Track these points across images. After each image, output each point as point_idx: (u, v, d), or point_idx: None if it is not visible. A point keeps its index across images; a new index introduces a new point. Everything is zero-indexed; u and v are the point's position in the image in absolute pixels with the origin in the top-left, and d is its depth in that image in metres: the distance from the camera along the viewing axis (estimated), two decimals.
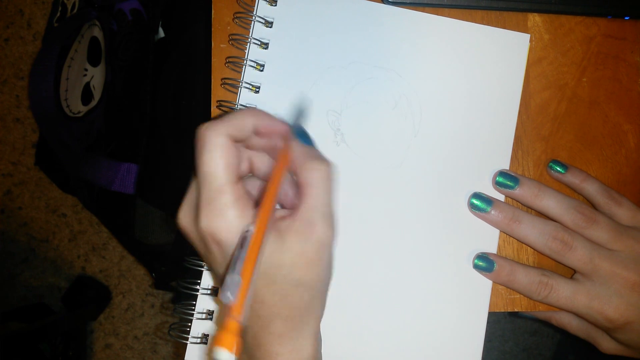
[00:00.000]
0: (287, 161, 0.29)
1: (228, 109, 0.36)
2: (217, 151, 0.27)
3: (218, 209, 0.26)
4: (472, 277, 0.36)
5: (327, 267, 0.28)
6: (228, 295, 0.22)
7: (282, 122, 0.30)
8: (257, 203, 0.27)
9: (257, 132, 0.29)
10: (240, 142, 0.28)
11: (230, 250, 0.26)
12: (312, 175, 0.28)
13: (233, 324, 0.22)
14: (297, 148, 0.29)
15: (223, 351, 0.21)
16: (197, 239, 0.28)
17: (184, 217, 0.29)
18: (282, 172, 0.28)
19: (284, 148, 0.29)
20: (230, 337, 0.21)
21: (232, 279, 0.23)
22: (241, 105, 0.36)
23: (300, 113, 0.34)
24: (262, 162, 0.31)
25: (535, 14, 0.38)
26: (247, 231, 0.26)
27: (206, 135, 0.27)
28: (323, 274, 0.28)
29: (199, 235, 0.27)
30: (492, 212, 0.35)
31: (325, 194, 0.28)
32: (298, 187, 0.28)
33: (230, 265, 0.24)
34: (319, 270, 0.27)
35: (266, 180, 0.31)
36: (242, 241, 0.25)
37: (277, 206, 0.31)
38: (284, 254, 0.26)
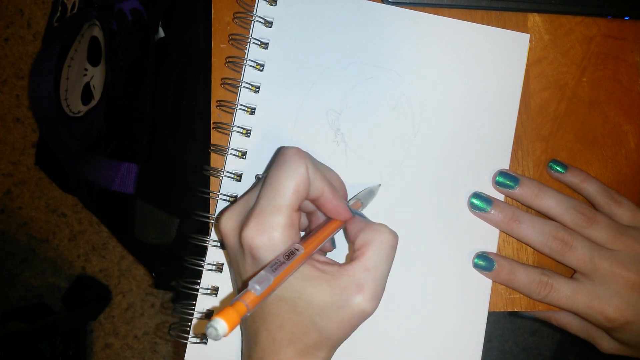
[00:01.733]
0: (339, 224, 0.29)
1: (228, 109, 0.36)
2: (295, 174, 0.27)
3: (269, 225, 0.26)
4: (472, 277, 0.36)
5: (352, 331, 0.28)
6: (257, 287, 0.23)
7: (348, 212, 0.29)
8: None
9: (317, 199, 0.29)
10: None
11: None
12: (375, 237, 0.28)
13: (242, 307, 0.22)
14: (359, 218, 0.30)
15: (222, 321, 0.21)
16: (234, 245, 0.28)
17: (228, 221, 0.29)
18: (338, 224, 0.29)
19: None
20: (234, 315, 0.21)
21: (265, 276, 0.23)
22: (241, 105, 0.36)
23: (369, 194, 0.35)
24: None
25: (535, 14, 0.38)
26: (296, 249, 0.26)
27: (293, 158, 0.27)
28: (347, 335, 0.28)
29: (238, 242, 0.27)
30: (492, 211, 0.35)
31: (384, 260, 0.27)
32: (354, 249, 0.28)
33: (269, 264, 0.24)
34: (346, 332, 0.27)
35: (309, 212, 0.32)
36: (289, 254, 0.25)
37: None
38: (318, 296, 0.26)
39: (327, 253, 0.34)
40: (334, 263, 0.28)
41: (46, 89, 0.54)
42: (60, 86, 0.55)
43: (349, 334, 0.28)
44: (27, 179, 1.05)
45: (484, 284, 0.36)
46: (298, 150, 0.28)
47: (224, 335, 0.21)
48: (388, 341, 0.36)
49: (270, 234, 0.26)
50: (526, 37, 0.37)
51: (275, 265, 0.24)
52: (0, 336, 0.79)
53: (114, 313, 1.05)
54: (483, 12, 0.38)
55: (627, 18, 0.38)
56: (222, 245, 0.35)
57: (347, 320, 0.26)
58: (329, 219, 0.30)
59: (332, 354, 0.29)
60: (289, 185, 0.27)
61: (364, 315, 0.27)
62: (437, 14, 0.37)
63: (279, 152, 0.28)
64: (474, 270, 0.36)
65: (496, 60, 0.37)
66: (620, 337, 0.35)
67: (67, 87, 0.55)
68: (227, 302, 0.35)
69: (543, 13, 0.38)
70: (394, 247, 0.28)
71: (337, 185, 0.31)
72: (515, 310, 0.38)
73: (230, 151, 0.36)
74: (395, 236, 0.28)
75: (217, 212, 0.36)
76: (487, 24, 0.37)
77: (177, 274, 0.55)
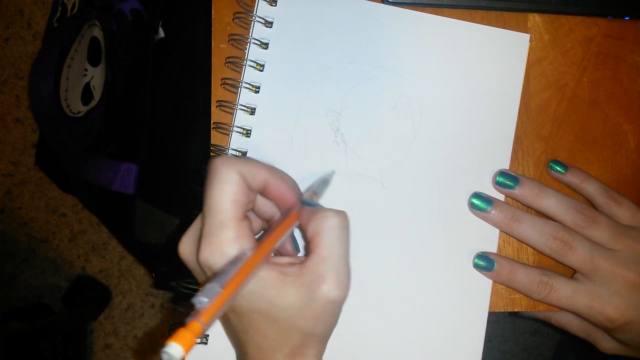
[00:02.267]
0: (296, 216, 0.29)
1: (228, 109, 0.36)
2: (227, 185, 0.26)
3: (219, 243, 0.26)
4: (472, 277, 0.36)
5: (334, 320, 0.27)
6: (202, 299, 0.22)
7: (293, 194, 0.29)
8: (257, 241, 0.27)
9: (264, 189, 0.28)
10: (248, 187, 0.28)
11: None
12: (323, 224, 0.27)
13: (196, 325, 0.21)
14: (307, 208, 0.29)
15: (176, 346, 0.20)
16: (196, 270, 0.28)
17: (185, 247, 0.29)
18: (289, 222, 0.28)
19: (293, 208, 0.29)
20: (188, 335, 0.20)
21: (211, 287, 0.23)
22: (241, 105, 0.36)
23: (323, 182, 0.34)
24: (265, 204, 0.31)
25: (535, 14, 0.38)
26: (243, 253, 0.25)
27: (219, 168, 0.27)
28: (328, 326, 0.27)
29: (198, 266, 0.27)
30: (492, 211, 0.35)
31: (339, 245, 0.27)
32: (308, 241, 0.28)
33: (214, 276, 0.24)
34: (326, 323, 0.27)
35: (267, 219, 0.31)
36: (236, 260, 0.25)
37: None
38: (286, 299, 0.26)
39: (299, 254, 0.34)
40: (295, 262, 0.28)
41: (46, 89, 0.54)
42: (60, 86, 0.55)
43: (331, 325, 0.27)
44: (27, 179, 1.05)
45: (484, 284, 0.36)
46: (224, 159, 0.27)
47: (182, 359, 0.20)
48: (388, 341, 0.36)
49: (223, 250, 0.26)
50: (526, 37, 0.37)
51: (220, 274, 0.24)
52: (0, 336, 0.79)
53: (114, 313, 1.04)
54: (483, 12, 0.38)
55: (627, 18, 0.38)
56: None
57: (321, 313, 0.26)
58: (281, 218, 0.29)
59: (324, 347, 0.28)
60: (226, 198, 0.26)
61: (335, 303, 0.26)
62: (437, 14, 0.37)
63: (209, 167, 0.27)
64: (474, 271, 0.36)
65: (496, 61, 0.37)
66: (621, 337, 0.35)
67: (67, 88, 0.55)
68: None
69: (543, 13, 0.38)
70: (344, 228, 0.27)
71: (282, 175, 0.30)
72: (516, 310, 0.38)
73: (231, 151, 0.36)
74: (342, 216, 0.27)
75: None
76: (487, 24, 0.37)
77: (177, 274, 0.55)
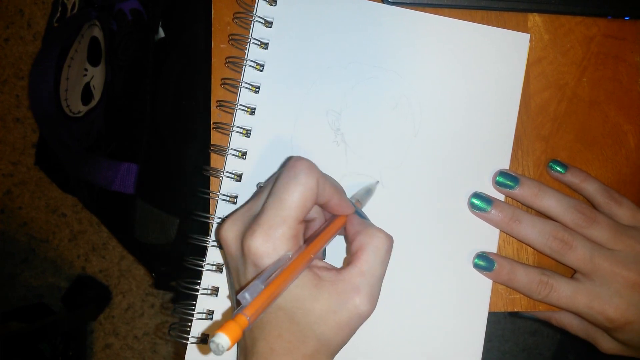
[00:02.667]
0: (343, 223, 0.30)
1: (228, 109, 0.36)
2: (303, 187, 0.27)
3: (274, 236, 0.26)
4: (472, 277, 0.36)
5: (350, 336, 0.28)
6: (246, 296, 0.23)
7: (351, 206, 0.30)
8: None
9: (324, 204, 0.29)
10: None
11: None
12: (370, 241, 0.28)
13: (242, 319, 0.22)
14: (358, 219, 0.30)
15: (223, 336, 0.21)
16: (235, 252, 0.28)
17: (231, 228, 0.29)
18: (340, 224, 0.29)
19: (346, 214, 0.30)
20: (236, 328, 0.21)
21: (256, 285, 0.24)
22: (241, 105, 0.36)
23: (367, 192, 0.35)
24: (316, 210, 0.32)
25: (535, 14, 0.38)
26: (288, 254, 0.26)
27: (303, 170, 0.28)
28: (344, 340, 0.28)
29: (240, 250, 0.28)
30: (492, 211, 0.35)
31: (379, 264, 0.28)
32: (350, 252, 0.28)
33: (259, 274, 0.25)
34: (344, 336, 0.27)
35: (308, 220, 0.32)
36: (279, 261, 0.26)
37: None
38: (316, 304, 0.26)
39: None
40: (332, 268, 0.28)
41: (46, 89, 0.54)
42: (60, 86, 0.55)
43: (348, 338, 0.28)
44: (27, 179, 1.05)
45: (484, 284, 0.36)
46: (310, 165, 0.28)
47: (227, 349, 0.21)
48: (389, 341, 0.36)
49: (276, 243, 0.26)
50: (526, 37, 0.37)
51: (265, 273, 0.24)
52: (0, 336, 0.79)
53: (114, 313, 1.04)
54: (483, 12, 0.38)
55: (627, 18, 0.38)
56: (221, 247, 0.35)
57: (344, 323, 0.27)
58: (327, 224, 0.30)
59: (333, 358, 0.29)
60: (297, 199, 0.27)
61: (361, 317, 0.27)
62: (437, 14, 0.37)
63: (289, 163, 0.28)
64: (474, 271, 0.36)
65: (496, 60, 0.37)
66: (621, 337, 0.35)
67: (67, 87, 0.55)
68: (226, 307, 0.35)
69: (543, 13, 0.38)
70: (389, 251, 0.29)
71: (341, 190, 0.32)
72: (516, 310, 0.38)
73: (230, 151, 0.36)
74: (390, 240, 0.29)
75: (217, 213, 0.36)
76: (487, 24, 0.37)
77: (177, 274, 0.55)
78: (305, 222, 0.32)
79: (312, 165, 0.28)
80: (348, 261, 0.29)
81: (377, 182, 0.36)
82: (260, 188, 0.35)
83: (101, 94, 0.53)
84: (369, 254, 0.28)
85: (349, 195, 0.35)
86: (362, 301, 0.27)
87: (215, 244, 0.35)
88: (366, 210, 0.36)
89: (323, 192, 0.28)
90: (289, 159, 0.29)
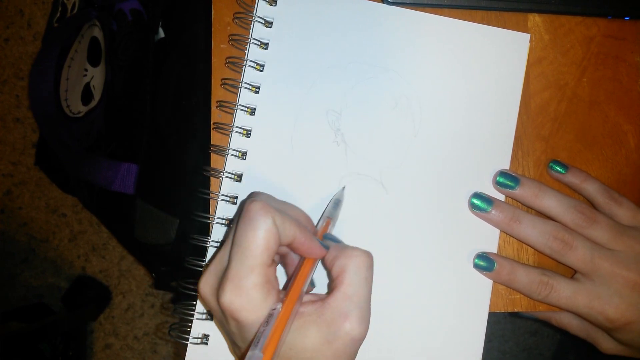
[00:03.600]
0: (315, 261, 0.29)
1: (228, 109, 0.36)
2: (262, 231, 0.26)
3: (245, 287, 0.26)
4: (472, 277, 0.36)
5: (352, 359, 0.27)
6: None
7: (321, 248, 0.29)
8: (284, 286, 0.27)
9: (290, 244, 0.28)
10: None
11: (248, 329, 0.26)
12: (349, 262, 0.27)
13: None
14: (333, 246, 0.29)
15: None
16: (215, 308, 0.28)
17: (206, 286, 0.28)
18: (313, 262, 0.29)
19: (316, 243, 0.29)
20: None
21: (253, 354, 0.23)
22: (241, 105, 0.36)
23: (335, 205, 0.34)
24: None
25: (535, 14, 0.38)
26: (274, 309, 0.26)
27: (257, 213, 0.27)
28: None
29: (218, 307, 0.27)
30: (493, 211, 0.35)
31: (363, 284, 0.27)
32: (332, 278, 0.28)
33: (254, 339, 0.24)
34: None
35: (282, 254, 0.32)
36: (268, 318, 0.25)
37: None
38: (307, 340, 0.26)
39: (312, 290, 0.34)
40: (316, 299, 0.28)
41: (46, 89, 0.54)
42: (60, 86, 0.55)
43: None
44: (27, 179, 1.05)
45: (485, 284, 0.36)
46: (263, 205, 0.27)
47: None
48: (389, 342, 0.36)
49: (247, 295, 0.26)
50: (526, 37, 0.37)
51: (257, 337, 0.24)
52: (0, 336, 0.79)
53: (114, 313, 1.04)
54: (483, 12, 0.38)
55: (627, 18, 0.38)
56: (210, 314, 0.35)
57: (341, 351, 0.26)
58: (301, 264, 0.29)
59: None
60: (259, 244, 0.26)
61: (356, 341, 0.27)
62: (437, 13, 0.37)
63: (244, 208, 0.28)
64: (475, 271, 0.36)
65: (496, 61, 0.37)
66: (621, 337, 0.35)
67: (67, 88, 0.55)
68: None
69: (543, 13, 0.38)
70: (370, 267, 0.28)
71: (304, 222, 0.31)
72: (516, 310, 0.38)
73: (231, 152, 0.36)
74: (369, 256, 0.28)
75: (217, 213, 0.36)
76: (487, 24, 0.37)
77: (177, 275, 0.55)
78: (280, 255, 0.32)
79: (265, 206, 0.27)
80: (331, 287, 0.28)
81: (344, 187, 0.35)
82: (228, 230, 0.34)
83: (101, 94, 0.53)
84: (351, 277, 0.27)
85: (317, 214, 0.34)
86: (353, 326, 0.26)
87: (215, 244, 0.35)
88: (366, 210, 0.36)
89: (284, 231, 0.27)
90: (244, 201, 0.28)
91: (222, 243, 0.33)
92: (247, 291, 0.26)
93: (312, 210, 0.35)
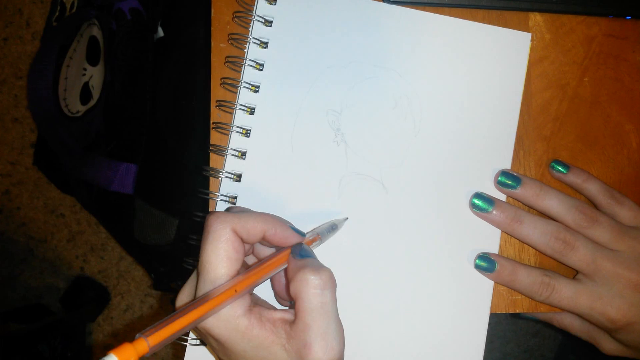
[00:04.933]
0: (286, 257, 0.28)
1: (228, 109, 0.36)
2: (220, 243, 0.26)
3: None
4: (473, 278, 0.36)
5: None
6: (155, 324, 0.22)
7: (295, 235, 0.29)
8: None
9: (264, 239, 0.28)
10: (244, 241, 0.28)
11: (228, 345, 0.26)
12: (303, 288, 0.26)
13: (142, 344, 0.21)
14: (293, 259, 0.28)
15: (114, 357, 0.19)
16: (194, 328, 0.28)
17: (180, 304, 0.29)
18: (277, 261, 0.28)
19: (284, 251, 0.29)
20: (131, 352, 0.20)
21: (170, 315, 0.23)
22: (241, 105, 0.36)
23: (330, 228, 0.34)
24: (264, 247, 0.31)
25: (537, 13, 0.38)
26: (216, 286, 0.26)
27: (212, 225, 0.27)
28: None
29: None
30: (494, 212, 0.35)
31: (322, 309, 0.26)
32: (293, 299, 0.27)
33: (183, 307, 0.24)
34: None
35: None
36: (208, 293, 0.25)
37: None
38: None
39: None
40: (288, 318, 0.27)
41: (45, 88, 0.54)
42: (59, 86, 0.55)
43: None
44: (26, 179, 1.04)
45: (486, 285, 0.36)
46: (218, 215, 0.27)
47: None
48: (390, 342, 0.35)
49: (217, 313, 0.26)
50: (527, 36, 0.37)
51: (185, 306, 0.24)
52: None
53: (113, 314, 1.04)
54: (484, 11, 0.38)
55: (628, 17, 0.38)
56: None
57: None
58: (266, 259, 0.29)
59: None
60: (219, 256, 0.26)
61: None
62: (437, 13, 0.37)
63: (205, 223, 0.27)
64: (476, 272, 0.35)
65: (497, 60, 0.37)
66: (622, 338, 0.35)
67: (66, 87, 0.55)
68: None
69: (544, 12, 0.38)
70: (325, 288, 0.26)
71: (274, 219, 0.30)
72: (517, 311, 0.37)
73: (230, 151, 0.36)
74: (322, 276, 0.26)
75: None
76: (488, 23, 0.37)
77: (176, 275, 0.55)
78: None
79: (221, 215, 0.27)
80: (294, 310, 0.27)
81: (347, 218, 0.35)
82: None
83: (100, 94, 0.53)
84: (305, 304, 0.26)
85: (308, 224, 0.34)
86: (317, 356, 0.25)
87: None
88: (366, 210, 0.36)
89: (249, 232, 0.27)
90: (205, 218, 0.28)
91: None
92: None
93: (311, 210, 0.35)
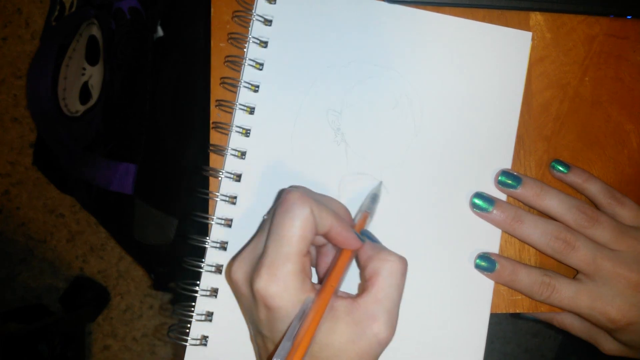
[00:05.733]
0: (352, 253, 0.29)
1: (227, 108, 0.36)
2: (299, 220, 0.27)
3: (281, 275, 0.26)
4: (473, 278, 0.35)
5: None
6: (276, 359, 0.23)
7: (357, 240, 0.29)
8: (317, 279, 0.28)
9: (326, 234, 0.29)
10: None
11: (279, 317, 0.26)
12: (383, 266, 0.27)
13: None
14: (369, 244, 0.29)
15: None
16: (246, 294, 0.28)
17: (239, 271, 0.29)
18: (350, 255, 0.29)
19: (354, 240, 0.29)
20: None
21: (284, 346, 0.23)
22: (241, 104, 0.36)
23: (373, 199, 0.34)
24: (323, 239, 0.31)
25: (537, 12, 0.38)
26: (308, 303, 0.26)
27: (295, 201, 0.27)
28: None
29: (250, 292, 0.27)
30: (494, 211, 0.35)
31: (395, 289, 0.27)
32: (364, 279, 0.28)
33: (287, 332, 0.25)
34: None
35: (319, 245, 0.32)
36: (303, 311, 0.25)
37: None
38: (334, 336, 0.26)
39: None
40: (346, 297, 0.28)
41: (44, 88, 0.54)
42: (59, 85, 0.54)
43: None
44: (25, 179, 1.04)
45: (486, 285, 0.36)
46: (301, 194, 0.27)
47: None
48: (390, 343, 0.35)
49: (283, 282, 0.26)
50: (528, 35, 0.37)
51: (291, 330, 0.24)
52: None
53: (113, 314, 1.04)
54: (485, 10, 0.37)
55: (629, 17, 0.38)
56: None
57: (365, 352, 0.26)
58: (337, 257, 0.30)
59: None
60: (296, 233, 0.27)
61: (382, 345, 0.27)
62: (438, 12, 0.37)
63: (282, 197, 0.28)
64: (476, 271, 0.35)
65: (498, 59, 0.37)
66: (623, 338, 0.35)
67: (65, 87, 0.55)
68: (225, 309, 0.35)
69: (545, 12, 0.38)
70: (403, 274, 0.28)
71: (342, 214, 0.31)
72: (517, 311, 0.37)
73: (230, 151, 0.35)
74: (404, 262, 0.28)
75: (216, 213, 0.35)
76: (489, 22, 0.37)
77: (176, 275, 0.55)
78: (318, 247, 0.32)
79: (303, 195, 0.27)
80: (363, 288, 0.28)
81: (381, 182, 0.36)
82: (264, 221, 0.35)
83: (99, 93, 0.53)
84: (383, 280, 0.27)
85: (356, 207, 0.34)
86: (380, 329, 0.26)
87: (214, 244, 0.35)
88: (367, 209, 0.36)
89: (321, 221, 0.28)
90: (282, 191, 0.29)
91: (255, 234, 0.33)
92: (283, 278, 0.26)
93: None
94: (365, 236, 0.31)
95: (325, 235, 0.29)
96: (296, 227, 0.27)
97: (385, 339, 0.27)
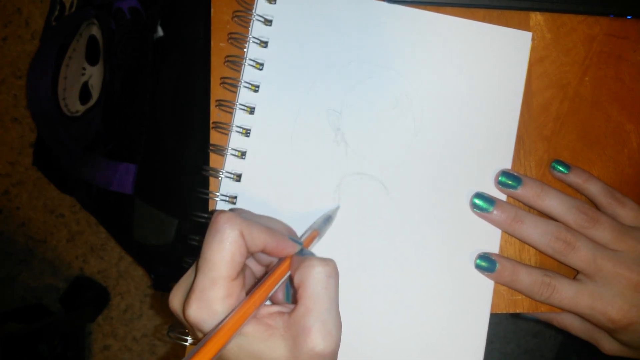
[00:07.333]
0: (288, 266, 0.28)
1: (227, 108, 0.36)
2: (227, 242, 0.26)
3: (207, 300, 0.26)
4: (473, 278, 0.35)
5: None
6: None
7: (293, 244, 0.28)
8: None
9: (262, 251, 0.28)
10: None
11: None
12: (308, 273, 0.26)
13: None
14: (296, 256, 0.28)
15: None
16: (185, 324, 0.28)
17: (175, 299, 0.28)
18: (285, 267, 0.28)
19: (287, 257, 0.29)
20: None
21: (190, 352, 0.23)
22: (241, 104, 0.36)
23: (326, 220, 0.34)
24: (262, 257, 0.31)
25: (537, 12, 0.38)
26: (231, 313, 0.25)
27: (221, 225, 0.26)
28: None
29: (186, 320, 0.27)
30: (495, 212, 0.35)
31: (325, 295, 0.26)
32: (295, 290, 0.27)
33: (203, 338, 0.24)
34: None
35: (266, 265, 0.31)
36: (223, 320, 0.25)
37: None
38: (275, 352, 0.25)
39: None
40: (285, 311, 0.27)
41: (44, 88, 0.54)
42: (59, 85, 0.54)
43: None
44: (25, 179, 1.04)
45: (486, 285, 0.36)
46: (229, 217, 0.26)
47: None
48: (389, 342, 0.35)
49: (211, 308, 0.26)
50: (528, 35, 0.37)
51: (201, 342, 0.24)
52: None
53: (113, 314, 1.04)
54: (484, 10, 0.37)
55: (629, 17, 0.38)
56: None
57: None
58: (272, 269, 0.29)
59: None
60: (223, 257, 0.26)
61: (324, 356, 0.26)
62: (438, 12, 0.37)
63: (212, 219, 0.27)
64: (476, 272, 0.35)
65: (498, 59, 0.37)
66: (623, 338, 0.35)
67: (65, 87, 0.55)
68: None
69: (545, 12, 0.38)
70: (330, 276, 0.27)
71: (284, 231, 0.30)
72: (517, 311, 0.37)
73: (230, 151, 0.35)
74: (328, 264, 0.27)
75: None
76: (489, 22, 0.37)
77: (176, 275, 0.54)
78: (263, 266, 0.31)
79: (232, 217, 0.26)
80: (295, 300, 0.27)
81: (338, 207, 0.35)
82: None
83: (99, 93, 0.53)
84: (309, 289, 0.26)
85: (307, 225, 0.34)
86: (316, 341, 0.25)
87: None
88: (367, 210, 0.36)
89: (253, 241, 0.27)
90: (213, 215, 0.28)
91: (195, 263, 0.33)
92: (210, 304, 0.25)
93: (311, 210, 0.35)
94: (299, 251, 0.30)
95: (263, 252, 0.28)
96: (224, 251, 0.26)
97: (324, 349, 0.25)
